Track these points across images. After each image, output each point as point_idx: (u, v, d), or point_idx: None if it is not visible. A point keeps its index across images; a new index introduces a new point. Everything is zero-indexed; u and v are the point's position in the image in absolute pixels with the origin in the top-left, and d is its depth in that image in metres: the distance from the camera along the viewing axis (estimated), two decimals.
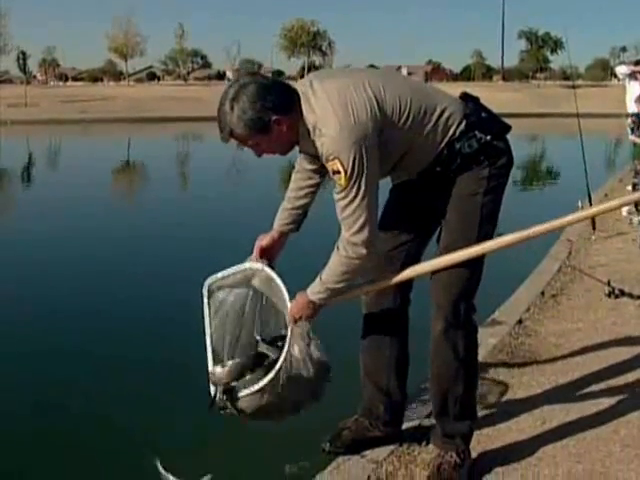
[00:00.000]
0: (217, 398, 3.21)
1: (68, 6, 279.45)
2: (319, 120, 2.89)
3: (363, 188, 2.88)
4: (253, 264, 3.33)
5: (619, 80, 13.49)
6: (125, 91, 70.80)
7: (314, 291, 3.11)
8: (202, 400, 3.34)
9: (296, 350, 3.09)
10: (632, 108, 11.85)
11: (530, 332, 5.37)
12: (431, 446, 3.53)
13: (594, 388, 4.28)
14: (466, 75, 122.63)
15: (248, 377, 3.19)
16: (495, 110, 3.24)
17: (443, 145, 3.07)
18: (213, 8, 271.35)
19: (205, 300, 3.36)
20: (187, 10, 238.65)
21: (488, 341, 5.00)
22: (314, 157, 3.08)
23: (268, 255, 3.39)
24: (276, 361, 3.11)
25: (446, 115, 3.06)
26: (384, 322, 3.51)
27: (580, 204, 9.33)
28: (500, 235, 3.21)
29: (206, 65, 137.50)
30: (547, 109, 56.64)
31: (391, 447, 3.59)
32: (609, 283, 6.23)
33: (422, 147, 3.07)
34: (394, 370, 3.54)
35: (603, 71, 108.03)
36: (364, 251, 2.97)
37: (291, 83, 3.09)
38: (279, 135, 2.94)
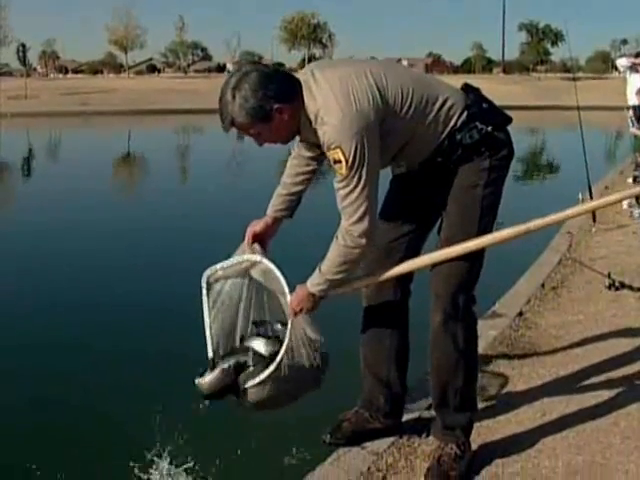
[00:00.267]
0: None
1: None
2: (321, 108, 2.88)
3: (364, 178, 2.87)
4: (252, 255, 3.32)
5: (620, 72, 13.48)
6: (125, 83, 70.74)
7: (314, 283, 3.10)
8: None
9: (297, 342, 3.09)
10: (633, 100, 11.86)
11: (530, 324, 5.37)
12: (431, 438, 3.54)
13: (594, 380, 4.28)
14: (466, 68, 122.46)
15: (250, 370, 3.20)
16: (496, 103, 3.23)
17: (444, 135, 3.07)
18: (213, 0, 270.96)
19: (204, 292, 3.35)
20: (187, 2, 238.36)
21: (488, 333, 5.00)
22: (315, 145, 3.07)
23: (260, 241, 3.38)
24: (276, 353, 3.12)
25: (448, 105, 3.06)
26: (384, 314, 3.51)
27: (580, 196, 9.34)
28: (500, 228, 3.21)
29: (206, 57, 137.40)
30: (547, 102, 56.56)
31: (391, 439, 3.59)
32: (609, 275, 6.23)
33: (423, 137, 3.06)
34: (394, 362, 3.54)
35: (604, 63, 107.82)
36: (363, 241, 2.96)
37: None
38: (280, 124, 2.93)
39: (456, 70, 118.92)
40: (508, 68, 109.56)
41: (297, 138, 3.15)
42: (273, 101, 2.87)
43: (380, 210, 3.16)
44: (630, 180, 12.36)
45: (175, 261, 8.56)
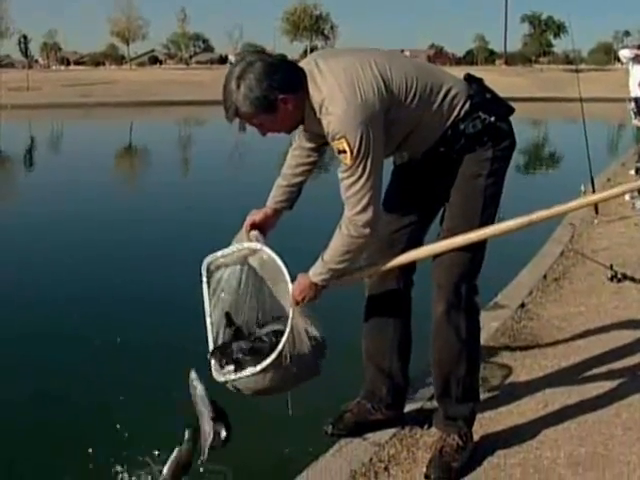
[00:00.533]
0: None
1: None
2: (326, 98, 2.87)
3: (368, 168, 2.87)
4: (252, 243, 3.32)
5: (622, 64, 13.46)
6: (127, 75, 70.53)
7: (316, 272, 3.10)
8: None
9: (298, 331, 3.10)
10: (635, 92, 11.84)
11: (532, 316, 5.37)
12: (433, 429, 3.54)
13: (596, 371, 4.29)
14: (469, 59, 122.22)
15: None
16: (498, 94, 3.23)
17: (448, 125, 3.06)
18: None
19: (204, 279, 3.35)
20: None
21: (490, 325, 5.01)
22: (317, 136, 3.07)
23: (259, 231, 3.38)
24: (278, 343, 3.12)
25: (451, 95, 3.06)
26: (387, 305, 3.51)
27: (583, 188, 9.37)
28: (501, 220, 3.21)
29: (208, 49, 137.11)
30: (550, 93, 56.39)
31: (393, 430, 3.60)
32: (611, 267, 6.23)
33: (427, 126, 3.06)
34: (396, 352, 3.54)
35: (606, 55, 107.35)
36: (367, 231, 2.96)
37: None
38: (285, 114, 2.92)
39: (458, 62, 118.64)
40: (510, 60, 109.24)
41: (300, 128, 3.15)
42: (278, 91, 2.86)
43: (382, 201, 3.15)
44: (632, 172, 12.35)
45: (176, 252, 8.53)
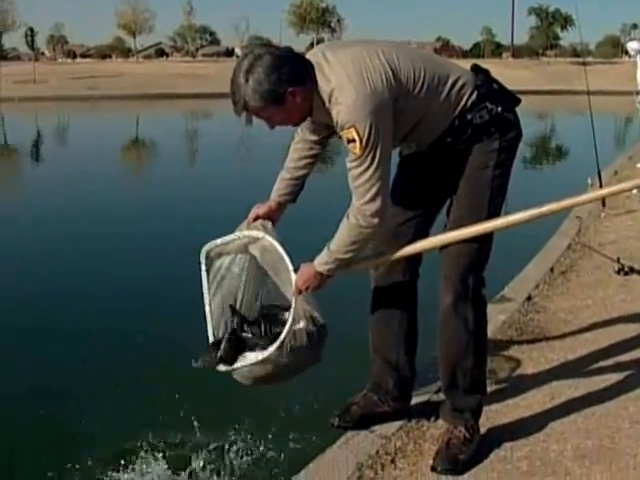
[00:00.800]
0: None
1: None
2: (335, 89, 2.86)
3: (377, 157, 2.87)
4: (253, 231, 3.32)
5: (630, 57, 13.41)
6: (133, 68, 70.51)
7: (322, 262, 3.09)
8: (209, 375, 3.35)
9: (301, 321, 3.10)
10: None
11: (539, 309, 5.37)
12: (440, 422, 3.54)
13: (603, 364, 4.28)
14: (476, 52, 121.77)
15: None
16: None
17: (455, 115, 3.06)
18: None
19: (203, 267, 3.35)
20: None
21: (497, 317, 5.00)
22: (324, 127, 3.07)
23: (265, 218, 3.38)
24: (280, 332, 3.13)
25: (459, 85, 3.05)
26: (393, 296, 3.51)
27: (590, 181, 9.34)
28: (508, 213, 3.21)
29: (215, 42, 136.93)
30: (557, 86, 56.31)
31: (400, 422, 3.60)
32: (618, 260, 6.21)
33: (435, 116, 3.06)
34: (403, 344, 3.54)
35: (614, 48, 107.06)
36: (376, 220, 2.95)
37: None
38: (294, 106, 2.91)
39: (465, 55, 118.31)
40: (517, 53, 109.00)
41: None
42: (286, 84, 2.85)
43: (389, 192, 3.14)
44: (639, 165, 12.32)
45: (181, 243, 8.48)
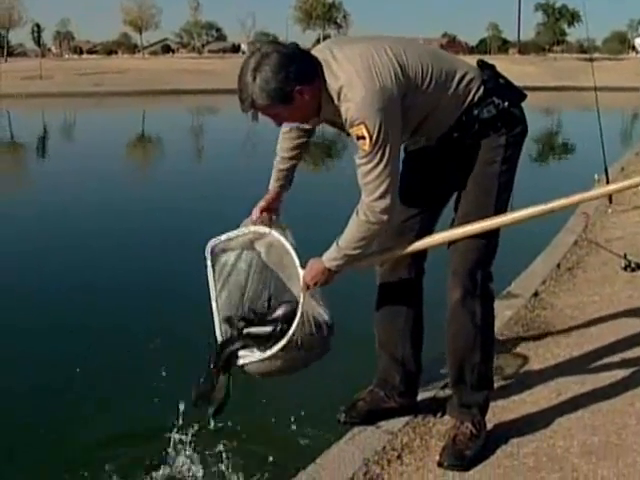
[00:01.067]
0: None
1: None
2: (344, 86, 2.86)
3: (387, 154, 2.86)
4: (258, 227, 3.32)
5: (637, 52, 13.40)
6: (140, 64, 70.59)
7: (330, 257, 3.09)
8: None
9: (308, 315, 3.10)
10: None
11: (546, 305, 5.36)
12: (446, 417, 3.55)
13: (609, 361, 4.28)
14: (482, 48, 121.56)
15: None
16: None
17: (462, 110, 3.06)
18: None
19: (208, 262, 3.35)
20: None
21: (504, 313, 5.00)
22: (332, 123, 3.06)
23: (269, 212, 3.42)
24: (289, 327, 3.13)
25: (466, 80, 3.05)
26: (398, 292, 3.51)
27: (597, 177, 9.32)
28: (514, 209, 3.20)
29: (221, 38, 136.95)
30: (564, 82, 56.22)
31: (406, 418, 3.60)
32: (625, 256, 6.20)
33: (443, 111, 3.06)
34: (409, 340, 3.55)
35: (621, 44, 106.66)
36: (385, 217, 2.95)
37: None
38: (301, 104, 2.90)
39: (471, 51, 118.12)
40: (524, 49, 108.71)
41: None
42: (294, 83, 2.83)
43: None
44: None
45: (187, 239, 8.51)
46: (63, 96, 43.04)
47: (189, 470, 3.62)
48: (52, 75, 53.16)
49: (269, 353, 3.13)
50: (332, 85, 2.89)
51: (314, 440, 3.81)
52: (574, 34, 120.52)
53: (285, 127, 3.38)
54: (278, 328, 3.20)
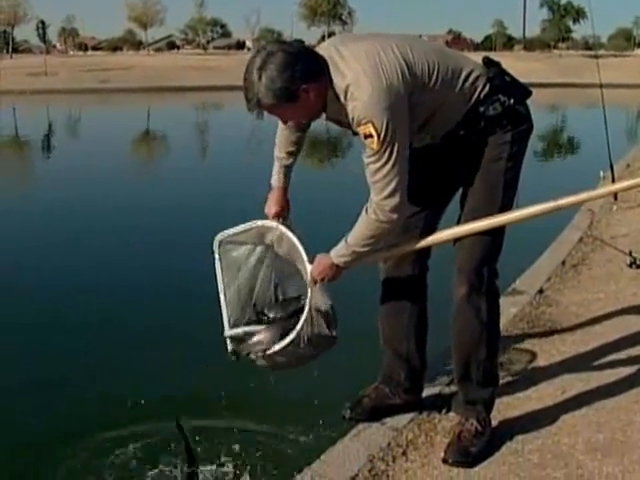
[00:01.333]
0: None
1: None
2: (351, 84, 2.85)
3: (395, 152, 2.86)
4: (266, 222, 3.33)
5: None
6: (145, 60, 70.51)
7: (339, 254, 3.09)
8: (220, 366, 3.35)
9: (315, 310, 3.10)
10: None
11: (551, 302, 5.36)
12: (452, 414, 3.55)
13: (614, 358, 4.27)
14: (487, 45, 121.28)
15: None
16: None
17: (469, 107, 3.06)
18: None
19: (216, 256, 3.35)
20: None
21: (509, 310, 5.00)
22: (339, 122, 3.06)
23: (282, 214, 3.42)
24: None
25: (472, 77, 3.05)
26: (403, 289, 3.51)
27: (602, 174, 9.30)
28: (519, 206, 3.20)
29: (226, 34, 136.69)
30: (569, 79, 56.10)
31: (411, 415, 3.61)
32: (630, 253, 6.19)
33: (449, 108, 3.06)
34: (413, 336, 3.55)
35: (626, 41, 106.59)
36: (395, 215, 2.95)
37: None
38: (307, 103, 2.89)
39: (476, 47, 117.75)
40: (529, 45, 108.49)
41: None
42: (300, 81, 2.82)
43: None
44: None
45: (193, 235, 8.55)
46: (68, 92, 43.09)
47: (192, 466, 3.62)
48: (57, 72, 53.14)
49: (277, 347, 3.14)
50: (338, 83, 2.88)
51: (319, 436, 3.81)
52: (579, 31, 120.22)
53: (280, 125, 3.36)
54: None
